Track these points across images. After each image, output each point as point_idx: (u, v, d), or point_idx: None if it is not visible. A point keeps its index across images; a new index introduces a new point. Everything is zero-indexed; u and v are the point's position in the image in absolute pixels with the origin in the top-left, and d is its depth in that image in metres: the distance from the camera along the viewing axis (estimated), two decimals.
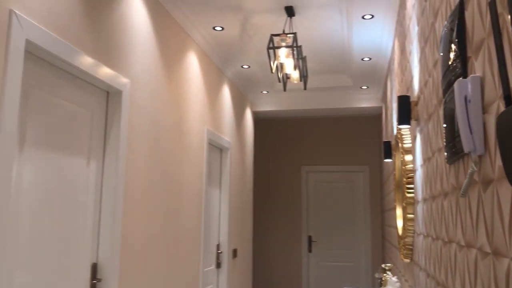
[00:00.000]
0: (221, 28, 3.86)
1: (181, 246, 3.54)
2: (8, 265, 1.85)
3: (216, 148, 4.72)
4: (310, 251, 6.76)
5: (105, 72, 2.45)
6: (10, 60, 1.74)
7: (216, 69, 4.58)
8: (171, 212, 3.36)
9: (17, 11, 1.78)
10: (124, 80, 2.66)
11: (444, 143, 1.49)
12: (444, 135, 1.48)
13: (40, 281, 2.03)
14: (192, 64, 3.88)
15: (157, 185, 3.14)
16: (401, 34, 3.11)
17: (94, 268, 2.44)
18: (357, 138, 6.82)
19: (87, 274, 2.39)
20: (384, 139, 5.30)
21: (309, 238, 6.79)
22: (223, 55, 4.51)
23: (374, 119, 6.79)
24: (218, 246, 4.68)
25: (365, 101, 5.82)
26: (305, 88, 3.79)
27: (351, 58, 4.63)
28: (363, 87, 5.62)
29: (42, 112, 2.07)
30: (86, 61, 2.27)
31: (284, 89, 3.69)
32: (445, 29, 1.45)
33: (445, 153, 1.49)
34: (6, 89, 1.73)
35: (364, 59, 4.63)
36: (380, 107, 5.81)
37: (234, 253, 5.04)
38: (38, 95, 2.05)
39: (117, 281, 2.52)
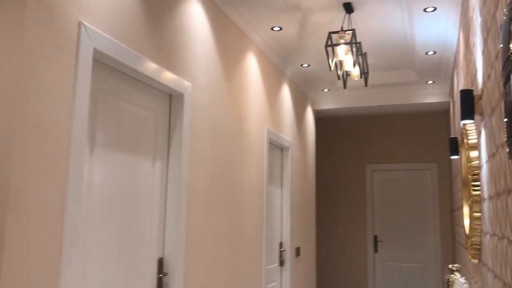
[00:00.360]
0: (279, 28, 3.89)
1: (243, 244, 3.62)
2: (83, 261, 2.00)
3: (276, 148, 4.76)
4: (376, 251, 6.62)
5: (167, 76, 2.57)
6: (80, 68, 1.88)
7: (275, 69, 4.63)
8: (232, 210, 3.44)
9: (85, 23, 1.93)
10: (185, 83, 2.77)
11: (505, 138, 1.43)
12: (505, 129, 1.42)
13: (111, 275, 2.18)
14: (251, 65, 3.95)
15: (219, 183, 3.23)
16: (465, 25, 2.99)
17: (161, 262, 2.56)
18: (424, 135, 6.58)
19: (154, 268, 2.52)
20: (452, 135, 5.09)
21: (375, 238, 6.65)
22: (282, 55, 4.54)
23: (441, 114, 6.52)
24: (280, 244, 4.72)
25: (431, 96, 5.61)
26: (366, 85, 3.73)
27: (415, 53, 4.49)
28: (429, 82, 5.42)
29: (110, 116, 2.22)
30: (149, 67, 2.39)
31: (344, 87, 3.66)
32: (504, 18, 1.39)
33: (507, 148, 1.43)
34: (77, 96, 1.87)
35: (428, 53, 4.48)
36: (448, 102, 5.58)
37: (297, 251, 5.06)
38: (106, 100, 2.19)
39: (182, 275, 2.63)
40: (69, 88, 1.84)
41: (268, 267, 4.31)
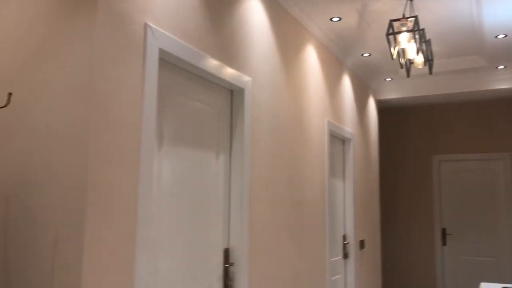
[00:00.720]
0: (338, 19, 3.85)
1: (306, 236, 3.64)
2: (154, 251, 2.11)
3: (338, 140, 4.72)
4: (444, 244, 6.39)
5: (228, 72, 2.64)
6: (147, 68, 1.98)
7: (335, 60, 4.58)
8: (294, 202, 3.47)
9: (150, 24, 2.02)
10: (246, 78, 2.82)
11: None
12: None
13: (180, 265, 2.28)
14: (310, 57, 3.94)
15: (280, 176, 3.27)
16: None
17: (226, 253, 2.65)
18: (496, 123, 6.24)
19: (220, 258, 2.61)
20: None
21: (443, 230, 6.42)
22: (342, 45, 4.49)
23: None
24: (344, 237, 4.69)
25: (502, 82, 5.31)
26: (430, 73, 3.60)
27: (483, 37, 4.27)
28: (500, 67, 5.13)
29: (175, 112, 2.32)
30: (211, 63, 2.47)
31: (408, 75, 3.55)
32: None
33: None
34: (145, 94, 1.97)
35: (498, 37, 4.24)
36: None
37: (361, 244, 5.00)
38: (171, 97, 2.29)
39: (248, 265, 2.70)
40: (138, 87, 1.95)
41: (332, 259, 4.30)
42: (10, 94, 1.67)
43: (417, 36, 3.38)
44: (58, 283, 1.68)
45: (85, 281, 1.65)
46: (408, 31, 3.28)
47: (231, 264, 2.65)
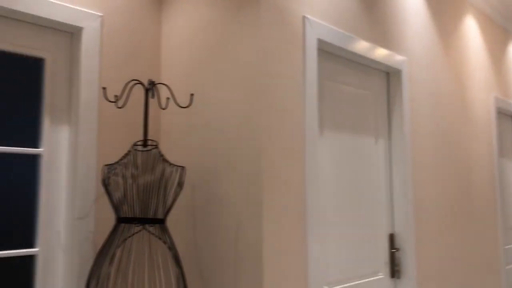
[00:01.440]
0: None
1: (474, 221, 3.40)
2: (323, 236, 2.19)
3: (507, 117, 4.28)
4: None
5: (383, 54, 2.59)
6: (307, 59, 2.06)
7: (499, 29, 4.15)
8: (460, 186, 3.26)
9: (308, 16, 2.09)
10: (401, 58, 2.74)
11: None
12: None
13: (347, 249, 2.33)
14: (470, 28, 3.63)
15: (444, 158, 3.10)
16: None
17: (391, 238, 2.62)
18: None
19: (385, 244, 2.59)
20: None
21: None
22: (506, 11, 4.04)
23: None
24: None
25: None
26: None
27: None
28: None
29: (333, 99, 2.36)
30: (366, 47, 2.45)
31: None
32: None
33: None
34: (307, 84, 2.05)
35: None
36: None
37: None
38: (329, 84, 2.34)
39: (414, 251, 2.63)
40: (299, 78, 2.04)
41: (506, 247, 3.93)
42: (192, 95, 1.88)
43: None
44: (241, 262, 1.86)
45: (266, 261, 1.80)
46: None
47: (397, 250, 2.61)
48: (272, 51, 1.92)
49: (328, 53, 2.34)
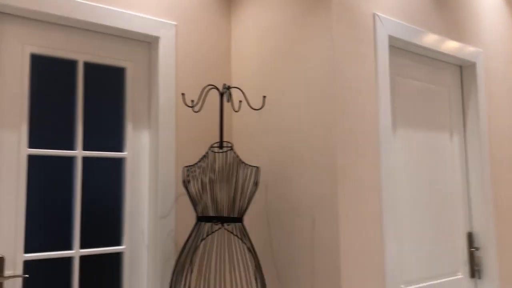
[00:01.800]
0: None
1: None
2: (399, 234, 2.17)
3: None
4: None
5: (456, 47, 2.51)
6: (379, 56, 2.05)
7: None
8: None
9: (379, 13, 2.08)
10: (476, 51, 2.64)
11: None
12: None
13: (424, 248, 2.28)
14: None
15: None
16: None
17: (470, 237, 2.53)
18: None
19: (464, 242, 2.51)
20: None
21: None
22: None
23: None
24: None
25: None
26: None
27: None
28: None
29: (405, 95, 2.32)
30: (437, 41, 2.39)
31: None
32: None
33: None
34: (379, 81, 2.04)
35: None
36: None
37: None
38: (401, 80, 2.31)
39: (495, 251, 2.53)
40: (371, 75, 2.03)
41: None
42: (264, 97, 1.93)
43: None
44: (318, 260, 1.88)
45: (343, 260, 1.81)
46: None
47: (476, 249, 2.52)
48: (344, 50, 1.92)
49: (399, 49, 2.31)
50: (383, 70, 2.06)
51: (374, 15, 2.05)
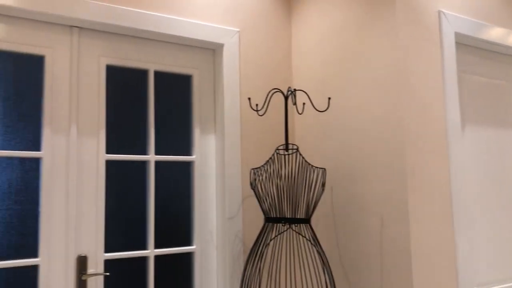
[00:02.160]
0: None
1: None
2: (470, 233, 2.11)
3: None
4: None
5: None
6: (445, 53, 2.01)
7: None
8: None
9: (444, 10, 2.04)
10: None
11: None
12: None
13: (497, 246, 2.21)
14: None
15: None
16: None
17: None
18: None
19: None
20: None
21: None
22: None
23: None
24: None
25: None
26: None
27: None
28: None
29: (473, 92, 2.26)
30: (505, 35, 2.31)
31: None
32: None
33: None
34: (446, 79, 2.01)
35: None
36: None
37: None
38: (467, 78, 2.25)
39: None
40: (438, 73, 2.00)
41: None
42: (329, 99, 1.95)
43: None
44: (387, 260, 1.88)
45: (414, 260, 1.79)
46: None
47: None
48: (409, 49, 1.91)
49: (464, 45, 2.26)
50: (450, 67, 2.02)
51: (439, 12, 2.02)
